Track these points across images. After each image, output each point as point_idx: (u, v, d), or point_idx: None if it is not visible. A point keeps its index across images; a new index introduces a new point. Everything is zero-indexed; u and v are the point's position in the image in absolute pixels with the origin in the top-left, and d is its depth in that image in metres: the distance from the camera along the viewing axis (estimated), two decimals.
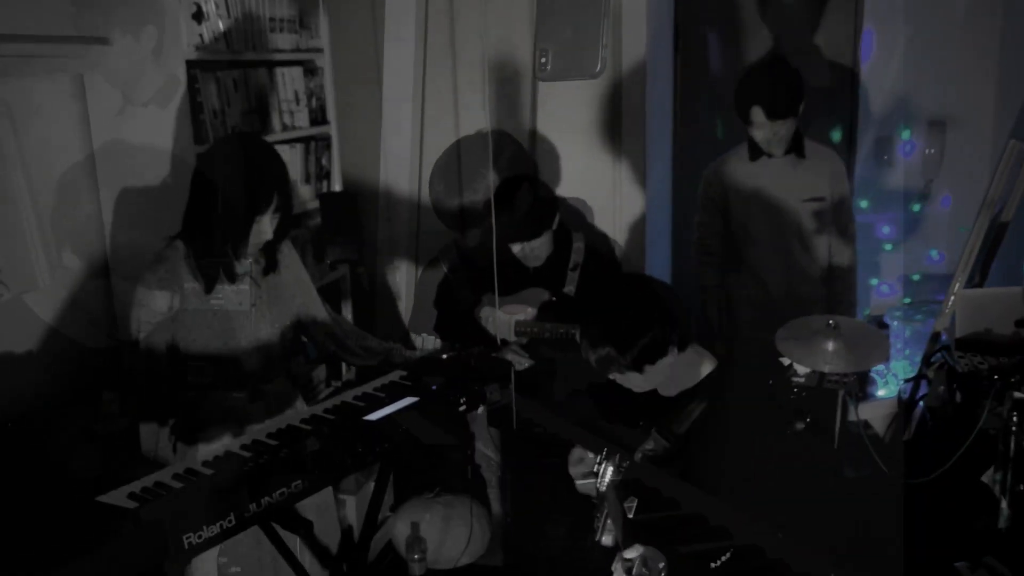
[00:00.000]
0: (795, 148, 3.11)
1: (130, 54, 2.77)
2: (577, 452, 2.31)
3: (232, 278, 2.28)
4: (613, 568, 1.91)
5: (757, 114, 2.99)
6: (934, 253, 4.14)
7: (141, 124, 2.85)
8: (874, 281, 4.14)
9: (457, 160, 3.61)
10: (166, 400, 2.30)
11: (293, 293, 2.48)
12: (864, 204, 4.04)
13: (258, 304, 2.35)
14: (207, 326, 2.28)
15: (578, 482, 2.29)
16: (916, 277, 4.14)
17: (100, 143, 2.90)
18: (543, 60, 2.68)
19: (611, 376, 2.34)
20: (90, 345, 2.75)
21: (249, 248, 2.28)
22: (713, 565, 1.80)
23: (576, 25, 2.62)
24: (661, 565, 1.81)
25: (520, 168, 3.53)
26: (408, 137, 3.63)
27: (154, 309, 2.22)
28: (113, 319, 2.94)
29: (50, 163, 2.80)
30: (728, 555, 1.80)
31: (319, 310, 2.56)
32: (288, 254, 2.47)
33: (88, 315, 2.79)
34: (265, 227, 2.25)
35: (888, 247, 4.11)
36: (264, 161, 2.28)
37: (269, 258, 2.37)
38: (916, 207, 4.06)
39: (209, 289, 2.25)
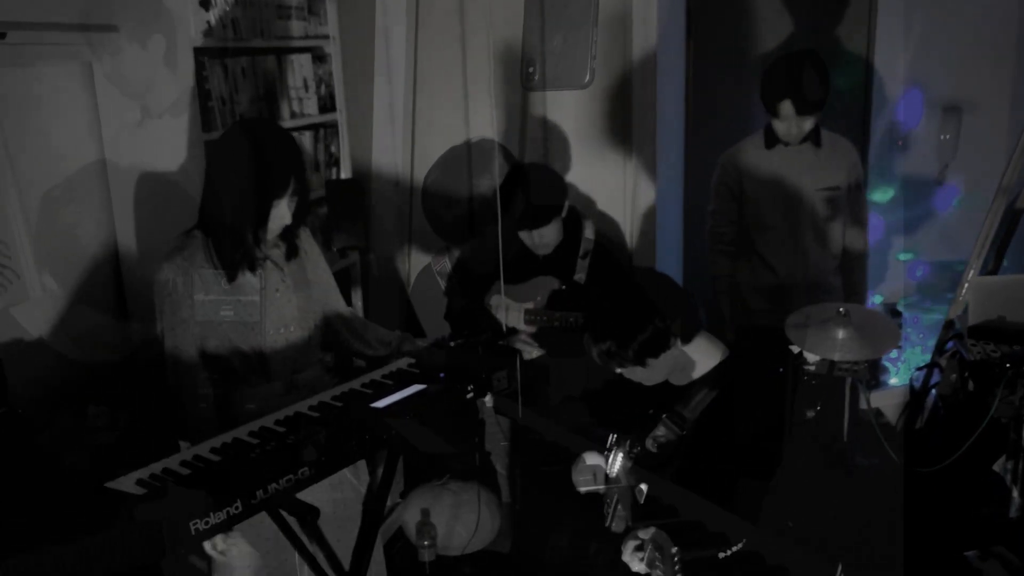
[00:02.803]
0: (812, 137, 3.10)
1: (138, 63, 2.77)
2: (582, 461, 2.32)
3: (253, 265, 2.26)
4: (623, 547, 1.91)
5: (786, 108, 2.98)
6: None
7: (156, 137, 2.86)
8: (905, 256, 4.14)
9: (449, 171, 3.56)
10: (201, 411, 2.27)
11: (315, 279, 2.46)
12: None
13: (282, 289, 2.32)
14: (234, 315, 2.27)
15: (582, 490, 2.31)
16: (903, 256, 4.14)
17: (112, 159, 2.91)
18: (531, 70, 2.68)
19: (617, 371, 2.34)
20: (75, 359, 2.71)
21: (268, 234, 2.26)
22: (721, 555, 1.80)
23: (565, 36, 2.60)
24: (674, 550, 1.81)
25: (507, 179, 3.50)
26: (411, 124, 3.61)
27: (176, 299, 2.21)
28: (125, 314, 2.95)
29: (52, 154, 2.81)
30: (740, 545, 1.80)
31: (337, 299, 2.55)
32: (307, 240, 2.45)
33: (72, 331, 2.75)
34: (283, 212, 2.22)
35: None
36: (279, 145, 2.26)
37: (290, 244, 2.35)
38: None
39: (232, 278, 2.23)
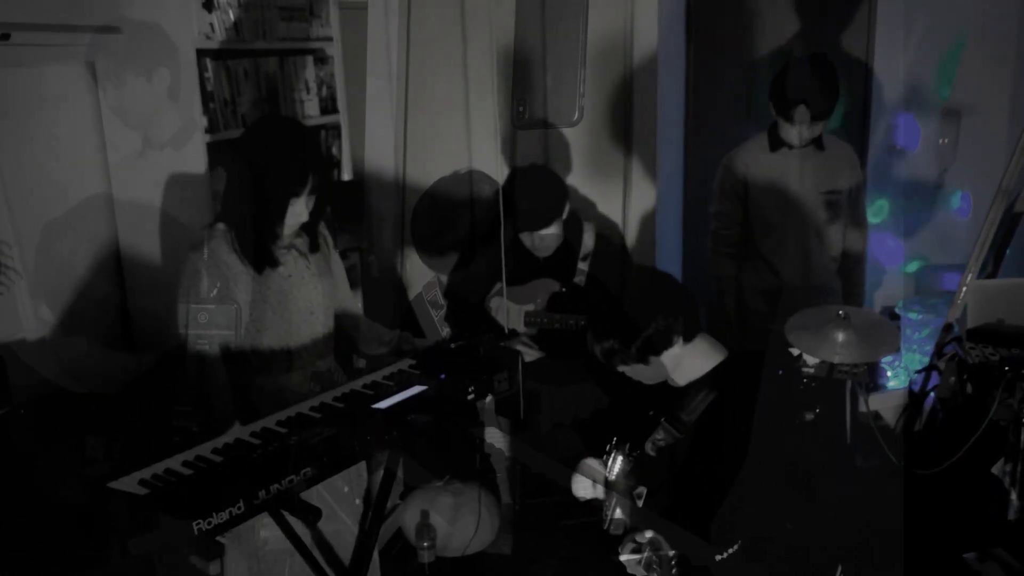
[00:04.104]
0: (814, 140, 3.11)
1: (144, 96, 2.80)
2: (581, 477, 2.33)
3: (275, 260, 2.30)
4: (621, 549, 1.93)
5: (801, 113, 2.98)
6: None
7: (159, 168, 2.89)
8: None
9: (436, 203, 3.54)
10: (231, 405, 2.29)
11: (333, 271, 2.50)
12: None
13: (307, 277, 2.36)
14: (262, 301, 2.28)
15: (580, 495, 2.32)
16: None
17: (117, 187, 2.95)
18: (521, 108, 2.72)
19: (619, 369, 2.34)
20: (71, 390, 2.70)
21: (286, 230, 2.30)
22: (719, 558, 1.81)
23: (554, 75, 2.65)
24: (672, 552, 1.82)
25: (496, 208, 3.51)
26: (403, 127, 3.62)
27: (202, 294, 2.23)
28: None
29: (58, 156, 2.81)
30: (736, 547, 1.81)
31: (347, 293, 2.59)
32: (324, 234, 2.49)
33: (68, 362, 2.76)
34: (300, 209, 2.26)
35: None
36: (300, 144, 2.29)
37: (312, 237, 2.39)
38: None
39: (259, 269, 2.27)
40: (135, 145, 2.88)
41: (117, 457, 2.61)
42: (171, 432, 2.29)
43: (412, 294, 3.78)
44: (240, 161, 2.26)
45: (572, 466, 2.40)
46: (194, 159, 2.89)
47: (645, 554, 1.89)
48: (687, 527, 2.03)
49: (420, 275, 3.58)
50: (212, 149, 2.92)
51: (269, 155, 2.21)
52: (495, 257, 2.87)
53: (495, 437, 3.05)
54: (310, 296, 2.36)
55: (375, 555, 2.52)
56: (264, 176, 2.20)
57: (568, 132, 3.57)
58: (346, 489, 2.34)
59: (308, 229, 2.36)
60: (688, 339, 2.32)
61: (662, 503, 2.19)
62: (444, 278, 3.43)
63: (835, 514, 2.41)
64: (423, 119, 3.59)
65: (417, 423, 2.05)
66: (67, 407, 2.63)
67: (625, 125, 3.51)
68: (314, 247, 2.41)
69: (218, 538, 2.13)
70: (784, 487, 2.21)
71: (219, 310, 2.22)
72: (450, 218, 3.51)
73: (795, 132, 3.05)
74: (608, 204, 3.59)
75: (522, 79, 2.60)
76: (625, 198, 3.56)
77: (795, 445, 2.46)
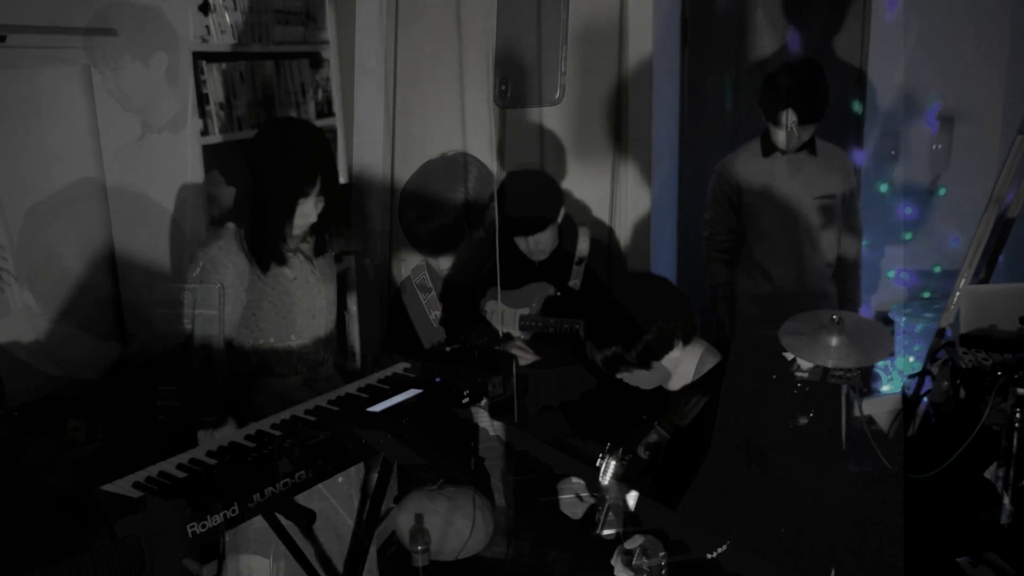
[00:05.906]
0: (808, 145, 3.12)
1: (140, 79, 2.79)
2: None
3: (282, 259, 2.31)
4: (613, 561, 1.93)
5: (789, 117, 3.00)
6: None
7: (156, 153, 2.89)
8: (890, 273, 4.14)
9: (423, 185, 3.53)
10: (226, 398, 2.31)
11: (332, 276, 2.53)
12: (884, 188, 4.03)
13: (312, 281, 2.39)
14: (267, 301, 2.31)
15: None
16: (937, 269, 4.14)
17: (113, 174, 2.92)
18: (503, 87, 2.72)
19: (618, 375, 2.34)
20: (53, 375, 2.68)
21: (294, 230, 2.31)
22: (710, 556, 1.81)
23: (535, 53, 2.66)
24: (661, 554, 1.83)
25: (485, 190, 3.49)
26: (391, 130, 3.62)
27: (209, 289, 2.24)
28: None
29: (50, 160, 2.81)
30: (725, 547, 1.81)
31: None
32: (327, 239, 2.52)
33: (52, 349, 2.73)
34: (308, 209, 2.30)
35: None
36: (309, 145, 2.33)
37: (319, 239, 2.40)
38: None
39: (265, 269, 2.28)
40: (134, 131, 2.87)
41: (99, 440, 2.61)
42: (156, 412, 2.30)
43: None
44: (251, 160, 2.30)
45: (559, 447, 2.40)
46: (190, 149, 2.89)
47: (635, 556, 1.90)
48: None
49: (407, 283, 3.58)
50: (207, 152, 2.92)
51: (280, 154, 2.25)
52: (487, 244, 2.87)
53: (481, 416, 3.05)
54: (313, 299, 2.39)
55: (375, 555, 2.53)
56: (274, 175, 2.23)
57: (563, 136, 3.59)
58: (343, 482, 2.35)
59: (315, 232, 2.38)
60: (687, 341, 2.33)
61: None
62: (433, 262, 3.43)
63: (828, 517, 2.41)
64: (413, 117, 3.60)
65: (437, 377, 2.12)
66: (63, 405, 2.63)
67: (620, 130, 3.52)
68: (319, 250, 2.42)
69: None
70: (774, 489, 2.21)
71: (201, 289, 2.24)
72: (438, 201, 3.49)
73: (785, 136, 3.06)
74: (603, 209, 3.60)
75: (504, 58, 2.61)
76: (619, 203, 3.57)
77: (788, 448, 2.46)
